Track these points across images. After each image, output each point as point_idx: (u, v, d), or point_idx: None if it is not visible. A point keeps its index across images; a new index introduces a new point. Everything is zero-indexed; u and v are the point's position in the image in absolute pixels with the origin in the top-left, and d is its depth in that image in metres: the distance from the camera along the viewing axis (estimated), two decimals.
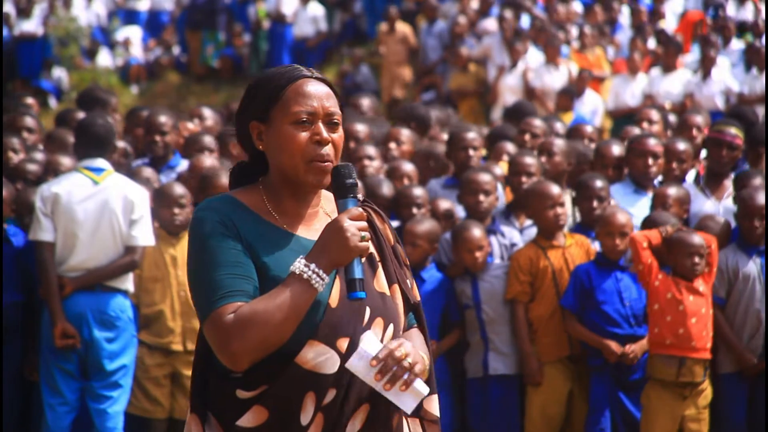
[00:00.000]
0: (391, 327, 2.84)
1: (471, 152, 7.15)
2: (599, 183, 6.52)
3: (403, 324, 2.91)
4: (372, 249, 2.87)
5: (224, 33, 18.25)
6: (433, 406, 2.97)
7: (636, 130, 8.10)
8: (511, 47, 14.15)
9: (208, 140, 7.71)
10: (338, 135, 2.83)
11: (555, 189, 6.31)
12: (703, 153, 7.31)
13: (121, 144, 7.43)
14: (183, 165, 7.41)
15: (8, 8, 17.99)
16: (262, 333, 2.66)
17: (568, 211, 6.60)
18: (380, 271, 2.88)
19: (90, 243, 6.03)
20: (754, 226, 6.20)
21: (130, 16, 19.68)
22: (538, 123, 8.11)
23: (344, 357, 2.73)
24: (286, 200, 2.85)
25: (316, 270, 2.68)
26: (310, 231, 2.83)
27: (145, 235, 6.10)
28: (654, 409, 6.01)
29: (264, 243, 2.77)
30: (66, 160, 6.73)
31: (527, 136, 7.95)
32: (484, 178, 6.58)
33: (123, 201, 6.06)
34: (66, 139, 7.50)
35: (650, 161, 6.89)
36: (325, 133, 2.80)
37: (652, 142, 6.95)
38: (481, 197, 6.51)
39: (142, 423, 6.41)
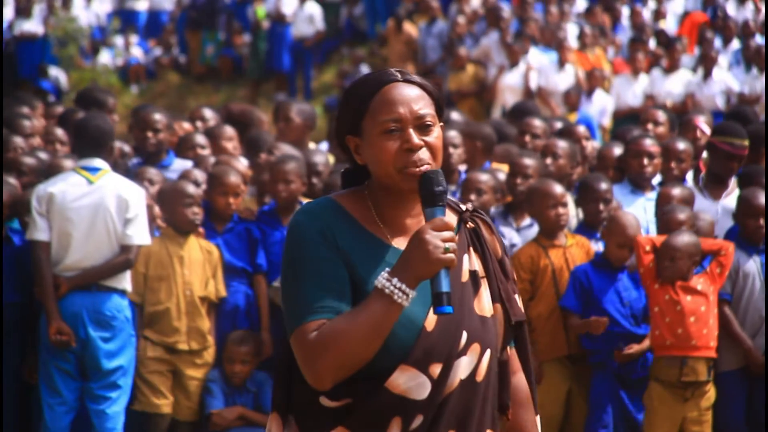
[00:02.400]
0: (488, 353, 2.72)
1: (450, 150, 7.15)
2: (604, 185, 6.50)
3: (500, 346, 2.78)
4: (477, 266, 2.77)
5: (224, 33, 18.25)
6: (538, 428, 2.91)
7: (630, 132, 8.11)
8: (509, 48, 14.13)
9: (200, 139, 7.69)
10: (433, 137, 2.69)
11: (558, 189, 6.30)
12: (704, 154, 7.27)
13: (117, 144, 7.41)
14: (177, 164, 7.39)
15: (8, 8, 17.99)
16: (344, 352, 2.56)
17: (571, 212, 6.59)
18: (484, 290, 2.77)
19: (85, 242, 6.02)
20: (759, 226, 6.19)
21: (130, 16, 19.69)
22: (538, 123, 8.10)
23: (436, 382, 2.63)
24: (388, 209, 2.72)
25: (398, 285, 2.55)
26: None
27: (140, 233, 6.08)
28: (656, 410, 6.01)
29: (362, 255, 2.66)
30: (68, 162, 6.71)
31: (527, 137, 7.95)
32: (480, 177, 6.60)
33: (117, 200, 6.05)
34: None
35: (645, 161, 6.89)
36: (415, 139, 2.66)
37: (648, 143, 6.95)
38: (472, 196, 6.52)
39: (147, 419, 6.40)
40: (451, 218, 2.79)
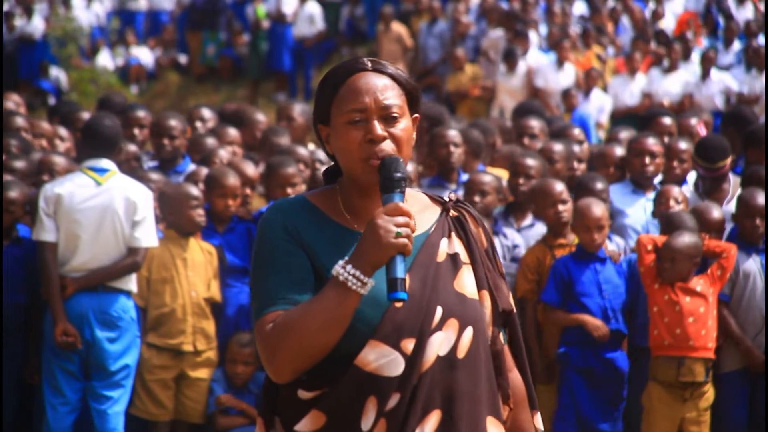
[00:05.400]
0: (469, 330, 2.64)
1: (452, 149, 7.13)
2: (599, 185, 6.52)
3: (491, 332, 2.72)
4: (459, 251, 2.71)
5: (225, 33, 18.26)
6: (538, 420, 2.85)
7: (624, 133, 8.12)
8: (507, 58, 14.12)
9: (211, 142, 7.66)
10: (398, 128, 2.64)
11: (557, 186, 6.32)
12: None
13: (132, 148, 7.40)
14: (191, 169, 7.38)
15: (8, 8, 18.01)
16: (300, 342, 2.52)
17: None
18: (464, 272, 2.70)
19: (92, 244, 6.03)
20: (755, 226, 6.22)
21: (130, 16, 19.70)
22: (535, 123, 8.12)
23: (409, 359, 2.57)
24: (357, 200, 2.70)
25: (352, 271, 2.51)
26: None
27: (147, 236, 6.09)
28: (654, 410, 6.03)
29: (328, 245, 2.63)
30: (60, 159, 6.72)
31: (525, 139, 7.96)
32: (483, 179, 6.61)
33: (125, 202, 6.06)
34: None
35: (647, 160, 6.91)
36: (378, 130, 2.61)
37: (651, 142, 6.97)
38: (476, 197, 6.53)
39: (145, 425, 6.41)
40: (434, 210, 2.78)
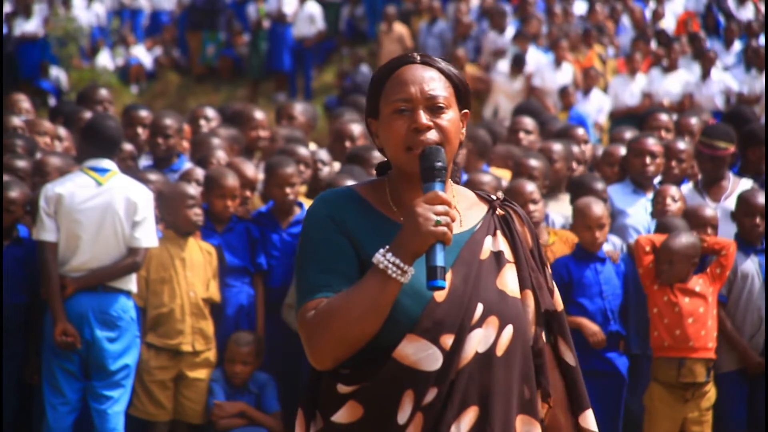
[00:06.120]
0: (509, 328, 2.65)
1: None
2: (598, 185, 6.53)
3: (533, 331, 2.73)
4: (504, 250, 2.73)
5: (225, 33, 18.26)
6: (589, 422, 2.87)
7: (628, 133, 8.14)
8: (514, 64, 14.13)
9: (217, 142, 7.65)
10: (444, 119, 2.66)
11: (528, 187, 6.26)
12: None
13: (129, 147, 7.40)
14: (186, 167, 7.36)
15: (8, 8, 18.01)
16: (341, 329, 2.54)
17: (568, 212, 6.61)
18: (507, 270, 2.71)
19: (93, 244, 6.02)
20: (755, 225, 6.21)
21: (130, 16, 19.70)
22: (528, 120, 8.15)
23: (448, 354, 2.59)
24: (405, 192, 2.71)
25: (392, 259, 2.52)
26: None
27: (148, 236, 6.09)
28: (656, 410, 6.03)
29: (374, 236, 2.65)
30: (54, 160, 6.72)
31: (521, 134, 7.99)
32: (482, 179, 6.62)
33: (126, 202, 6.06)
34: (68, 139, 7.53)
35: (647, 160, 6.91)
36: (423, 119, 2.64)
37: (651, 142, 6.98)
38: None
39: (144, 425, 6.41)
40: (481, 208, 2.80)
